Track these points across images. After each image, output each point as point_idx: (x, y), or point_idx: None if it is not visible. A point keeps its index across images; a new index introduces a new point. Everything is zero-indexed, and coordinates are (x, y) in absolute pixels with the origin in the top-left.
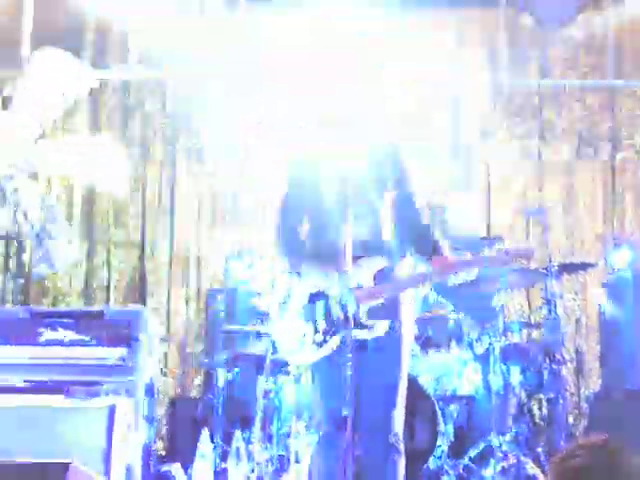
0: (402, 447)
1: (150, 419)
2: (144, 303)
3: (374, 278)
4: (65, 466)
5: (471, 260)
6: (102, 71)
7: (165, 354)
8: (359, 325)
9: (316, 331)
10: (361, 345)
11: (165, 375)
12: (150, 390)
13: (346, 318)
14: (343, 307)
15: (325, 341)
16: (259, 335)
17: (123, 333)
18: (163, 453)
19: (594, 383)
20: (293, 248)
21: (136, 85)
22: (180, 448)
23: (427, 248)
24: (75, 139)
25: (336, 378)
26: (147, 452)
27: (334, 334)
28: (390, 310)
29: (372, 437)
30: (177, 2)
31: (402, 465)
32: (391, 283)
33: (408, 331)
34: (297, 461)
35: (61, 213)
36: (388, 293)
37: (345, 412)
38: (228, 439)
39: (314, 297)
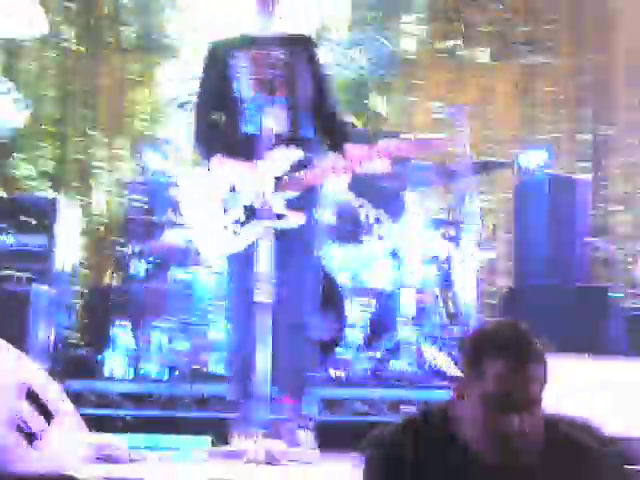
0: (314, 334)
1: (67, 307)
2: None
3: (289, 169)
4: None
5: (383, 147)
6: None
7: (83, 244)
8: (275, 215)
9: (235, 222)
10: (277, 235)
11: (82, 265)
12: (67, 279)
13: (262, 209)
14: (260, 197)
15: (240, 232)
16: (174, 225)
17: (42, 222)
18: (79, 340)
19: (504, 281)
20: (207, 138)
21: None
22: (96, 336)
23: (341, 139)
24: None
25: (248, 267)
26: (64, 339)
27: (250, 224)
28: (306, 201)
29: (286, 325)
30: None
31: (314, 350)
32: (307, 173)
33: (323, 222)
34: (211, 349)
35: None
36: (304, 184)
37: (257, 299)
38: (144, 329)
39: (231, 189)
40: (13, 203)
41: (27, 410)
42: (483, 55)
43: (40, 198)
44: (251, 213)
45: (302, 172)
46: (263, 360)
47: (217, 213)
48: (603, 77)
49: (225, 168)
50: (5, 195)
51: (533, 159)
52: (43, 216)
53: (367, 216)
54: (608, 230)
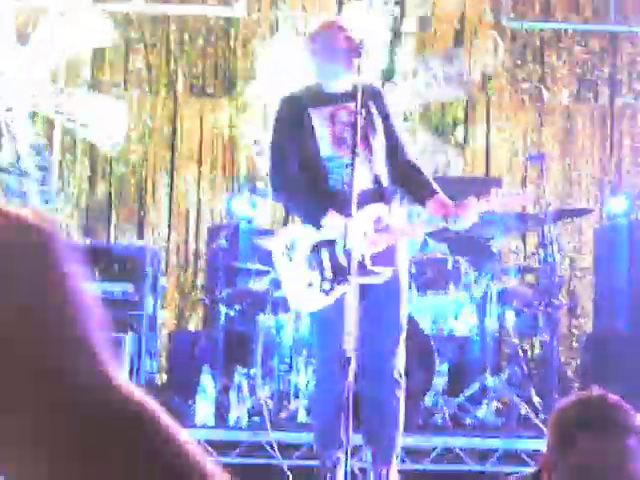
0: (403, 385)
1: (153, 353)
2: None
3: (374, 225)
4: None
5: (467, 205)
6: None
7: (165, 289)
8: (365, 272)
9: (323, 278)
10: (364, 290)
11: (165, 309)
12: (153, 324)
13: (353, 265)
14: (348, 254)
15: (332, 288)
16: (260, 273)
17: (128, 268)
18: (165, 386)
19: (587, 325)
20: (297, 189)
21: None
22: (181, 382)
23: (422, 190)
24: (80, 91)
25: (337, 318)
26: (150, 385)
27: (340, 282)
28: (390, 256)
29: (375, 375)
30: None
31: (402, 402)
32: (393, 230)
33: (404, 276)
34: (296, 396)
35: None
36: (391, 239)
37: (349, 354)
38: (228, 374)
39: (320, 244)
40: (102, 251)
41: None
42: (565, 97)
43: (129, 247)
44: (340, 269)
45: (391, 229)
46: (349, 409)
47: (305, 267)
48: None
49: (328, 222)
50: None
51: (615, 205)
52: (131, 263)
53: (452, 264)
54: None
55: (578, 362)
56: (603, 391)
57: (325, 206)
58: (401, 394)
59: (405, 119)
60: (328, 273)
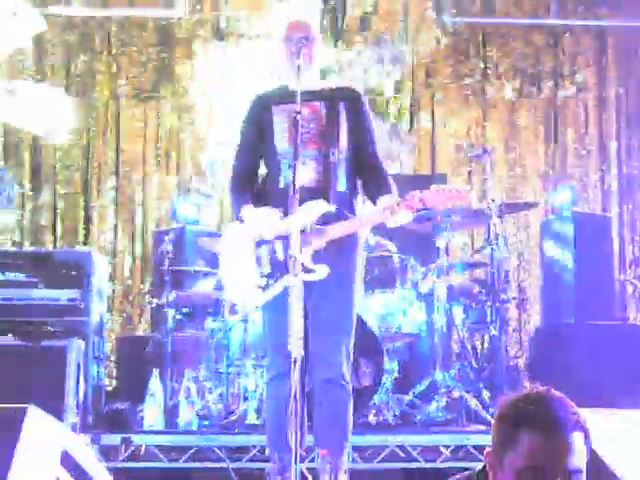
0: (350, 385)
1: (100, 358)
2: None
3: (318, 222)
4: (23, 411)
5: (411, 200)
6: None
7: (112, 293)
8: (303, 269)
9: (262, 275)
10: (309, 286)
11: (112, 314)
12: (99, 330)
13: (289, 262)
14: (287, 251)
15: (269, 285)
16: (206, 275)
17: (73, 274)
18: (113, 392)
19: (535, 318)
20: (242, 188)
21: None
22: (130, 387)
23: (378, 191)
24: (20, 85)
25: (284, 320)
26: (98, 391)
27: (278, 278)
28: (334, 254)
29: (322, 375)
30: None
31: (351, 402)
32: (333, 226)
33: (354, 274)
34: (245, 399)
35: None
36: (331, 236)
37: (295, 354)
38: (177, 379)
39: (260, 241)
40: (46, 257)
41: (64, 476)
42: (508, 92)
43: (73, 252)
44: (278, 266)
45: (329, 226)
46: (299, 411)
47: (246, 264)
48: (631, 110)
49: (254, 219)
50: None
51: (559, 198)
52: (76, 269)
53: (399, 262)
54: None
55: (527, 356)
56: (546, 387)
57: (247, 200)
58: (349, 393)
59: None
60: (266, 269)
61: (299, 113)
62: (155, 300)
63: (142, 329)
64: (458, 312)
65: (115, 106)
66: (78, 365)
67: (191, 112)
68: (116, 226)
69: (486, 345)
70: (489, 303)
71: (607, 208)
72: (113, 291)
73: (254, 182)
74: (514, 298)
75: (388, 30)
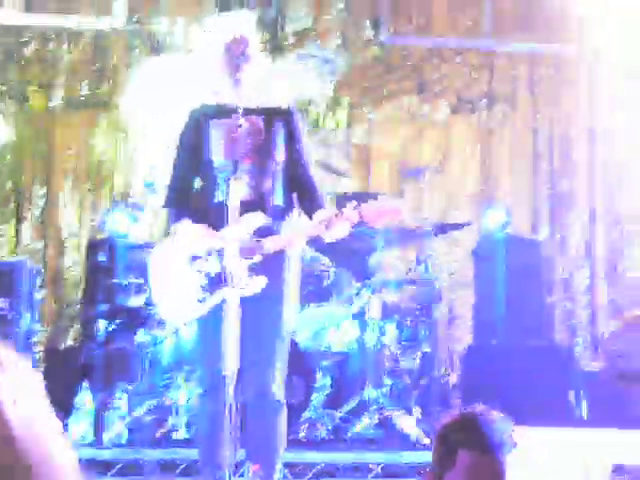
0: (284, 400)
1: None
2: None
3: (254, 235)
4: None
5: (346, 215)
6: None
7: (41, 304)
8: (237, 282)
9: (197, 289)
10: (241, 302)
11: (42, 325)
12: (28, 340)
13: (225, 275)
14: (222, 264)
15: (204, 299)
16: (139, 289)
17: (4, 284)
18: None
19: (466, 338)
20: (178, 203)
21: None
22: (58, 399)
23: (312, 207)
24: None
25: (217, 334)
26: None
27: (213, 292)
28: (269, 267)
29: (254, 390)
30: None
31: (284, 418)
32: (269, 240)
33: (289, 288)
34: (176, 413)
35: None
36: (266, 249)
37: (228, 369)
38: (107, 391)
39: (195, 255)
40: None
41: None
42: (441, 111)
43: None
44: (214, 279)
45: (265, 238)
46: (230, 425)
47: (180, 278)
48: (561, 132)
49: (189, 233)
50: None
51: (492, 219)
52: (3, 279)
53: (332, 278)
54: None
55: (458, 374)
56: (484, 407)
57: (186, 215)
58: (282, 409)
59: None
60: (202, 282)
61: (240, 126)
62: (86, 312)
63: (72, 341)
64: (391, 329)
65: (49, 118)
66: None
67: (124, 125)
68: (45, 236)
69: (418, 363)
70: (422, 320)
71: (537, 229)
72: (42, 300)
73: (189, 196)
74: (445, 317)
75: (325, 45)
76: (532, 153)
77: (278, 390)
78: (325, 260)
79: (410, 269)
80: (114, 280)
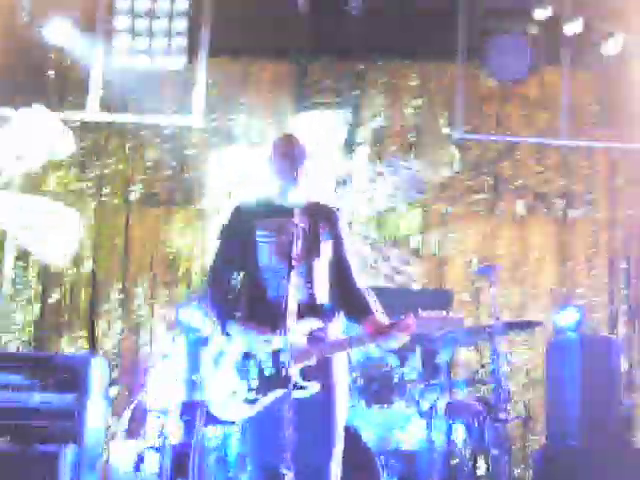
0: None
1: (94, 466)
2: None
3: (308, 339)
4: None
5: (400, 327)
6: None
7: (116, 397)
8: (293, 385)
9: (249, 389)
10: (295, 404)
11: (117, 419)
12: (97, 436)
13: (280, 377)
14: (277, 366)
15: (256, 399)
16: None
17: (71, 379)
18: None
19: (541, 438)
20: (225, 301)
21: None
22: None
23: (359, 312)
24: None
25: (270, 436)
26: None
27: (266, 393)
28: (323, 371)
29: None
30: None
31: None
32: (324, 345)
33: (342, 391)
34: None
35: None
36: (321, 354)
37: (283, 471)
38: None
39: (247, 355)
40: (45, 360)
41: None
42: (518, 209)
43: (72, 356)
44: (267, 381)
45: (321, 344)
46: None
47: (231, 377)
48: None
49: (244, 334)
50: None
51: (566, 318)
52: (73, 374)
53: (399, 377)
54: None
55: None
56: None
57: (233, 315)
58: None
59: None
60: (254, 383)
61: (296, 226)
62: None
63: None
64: (458, 430)
65: (126, 212)
66: (71, 473)
67: (202, 222)
68: (123, 331)
69: (486, 465)
70: (489, 422)
71: (615, 329)
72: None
73: (230, 292)
74: (517, 417)
75: (400, 145)
76: (608, 253)
77: None
78: (391, 359)
79: (479, 368)
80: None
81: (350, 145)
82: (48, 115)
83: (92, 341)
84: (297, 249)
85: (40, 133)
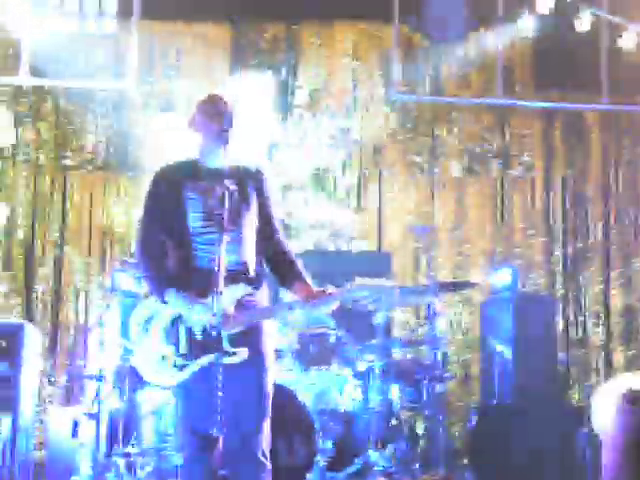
0: (269, 465)
1: (29, 432)
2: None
3: (237, 305)
4: None
5: (333, 295)
6: None
7: (53, 364)
8: (222, 351)
9: (178, 354)
10: (224, 370)
11: (53, 385)
12: (30, 403)
13: (209, 343)
14: (206, 332)
15: (186, 365)
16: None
17: (4, 346)
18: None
19: (477, 397)
20: (157, 268)
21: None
22: (59, 461)
23: (288, 277)
24: None
25: (198, 401)
26: (26, 465)
27: (195, 358)
28: (252, 337)
29: (238, 457)
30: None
31: None
32: (253, 311)
33: (270, 357)
34: (177, 476)
35: None
36: (250, 321)
37: (212, 433)
38: (108, 454)
39: (176, 320)
40: None
41: None
42: (455, 170)
43: (4, 324)
44: (196, 347)
45: (249, 311)
46: None
47: (160, 343)
48: (577, 190)
49: (176, 301)
50: None
51: (501, 278)
52: (7, 342)
53: (335, 339)
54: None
55: (468, 437)
56: (446, 475)
57: (168, 282)
58: (267, 475)
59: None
60: (183, 349)
61: (228, 190)
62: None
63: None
64: (394, 390)
65: (62, 177)
66: (5, 439)
67: (139, 186)
68: (58, 298)
69: (422, 425)
70: (425, 382)
71: (552, 289)
72: (54, 363)
73: (163, 258)
74: (451, 377)
75: (337, 106)
76: (544, 212)
77: (262, 455)
78: (328, 321)
79: (416, 329)
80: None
81: (286, 107)
82: None
83: (27, 309)
84: (226, 212)
85: None
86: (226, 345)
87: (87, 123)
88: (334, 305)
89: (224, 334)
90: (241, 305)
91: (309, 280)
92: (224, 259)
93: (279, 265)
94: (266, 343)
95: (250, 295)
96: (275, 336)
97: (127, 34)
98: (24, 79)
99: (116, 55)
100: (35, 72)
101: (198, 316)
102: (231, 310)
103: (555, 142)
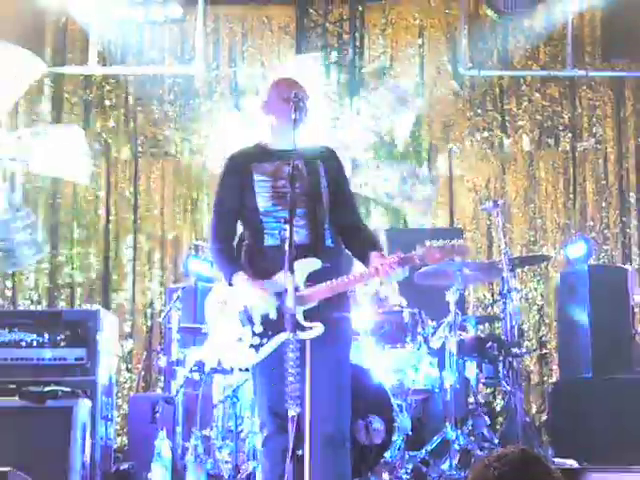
0: (348, 444)
1: (108, 418)
2: (107, 302)
3: (310, 280)
4: (3, 475)
5: (405, 259)
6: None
7: (130, 351)
8: (297, 327)
9: (253, 334)
10: (301, 346)
11: (130, 372)
12: (109, 389)
13: (283, 320)
14: (280, 310)
15: (262, 344)
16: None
17: (81, 334)
18: (123, 451)
19: (556, 372)
20: (228, 251)
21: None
22: (139, 445)
23: (362, 249)
24: (36, 129)
25: (278, 379)
26: (106, 451)
27: (271, 337)
28: (327, 311)
29: (318, 436)
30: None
31: (349, 462)
32: (327, 285)
33: (347, 330)
34: (255, 457)
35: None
36: (324, 295)
37: (291, 412)
38: (187, 437)
39: (250, 302)
40: (55, 316)
41: None
42: (526, 144)
43: (81, 311)
44: (271, 325)
45: (323, 283)
46: (299, 472)
47: (235, 324)
48: None
49: (246, 284)
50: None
51: (575, 250)
52: (83, 328)
53: (409, 317)
54: None
55: (547, 412)
56: (521, 448)
57: (237, 266)
58: (347, 454)
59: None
60: (258, 328)
61: (295, 168)
62: (164, 358)
63: (159, 388)
64: (471, 367)
65: (133, 164)
66: (84, 425)
67: (210, 171)
68: (134, 284)
69: (500, 401)
70: (501, 358)
71: (628, 260)
72: (131, 350)
73: (234, 241)
74: (528, 352)
75: (405, 84)
76: (619, 184)
77: (341, 435)
78: (401, 299)
79: (491, 304)
80: (192, 325)
81: (353, 87)
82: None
83: (104, 296)
84: (296, 191)
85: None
86: (301, 320)
87: (156, 110)
88: (404, 274)
89: (299, 309)
90: (314, 280)
91: (381, 252)
92: (294, 236)
93: (354, 241)
94: (341, 316)
95: (323, 269)
96: (349, 309)
97: (192, 19)
98: (93, 68)
99: (183, 41)
100: (104, 61)
101: (264, 300)
102: (304, 285)
103: (626, 112)
